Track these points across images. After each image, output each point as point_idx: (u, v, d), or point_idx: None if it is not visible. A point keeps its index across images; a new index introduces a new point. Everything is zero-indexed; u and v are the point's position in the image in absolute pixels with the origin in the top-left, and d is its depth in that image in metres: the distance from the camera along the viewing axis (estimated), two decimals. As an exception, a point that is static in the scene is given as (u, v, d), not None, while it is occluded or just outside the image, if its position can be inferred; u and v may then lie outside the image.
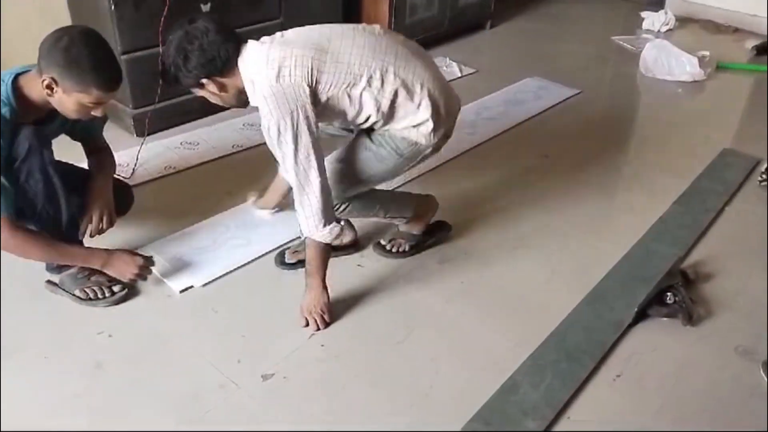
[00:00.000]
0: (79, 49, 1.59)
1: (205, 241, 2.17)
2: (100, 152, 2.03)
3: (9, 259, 2.02)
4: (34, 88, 1.65)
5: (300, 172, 1.68)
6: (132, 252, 1.93)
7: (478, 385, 1.69)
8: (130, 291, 1.94)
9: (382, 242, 2.19)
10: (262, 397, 1.63)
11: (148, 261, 1.93)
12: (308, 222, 1.75)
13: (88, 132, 1.97)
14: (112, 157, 2.06)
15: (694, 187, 2.64)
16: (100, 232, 1.93)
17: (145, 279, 1.92)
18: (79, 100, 1.64)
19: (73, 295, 1.90)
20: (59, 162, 1.81)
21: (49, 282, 1.93)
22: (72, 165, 1.99)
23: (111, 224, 1.94)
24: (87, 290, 1.90)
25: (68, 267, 1.90)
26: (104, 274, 1.89)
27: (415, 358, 1.78)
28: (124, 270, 1.88)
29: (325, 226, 1.75)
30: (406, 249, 2.16)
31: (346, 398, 1.65)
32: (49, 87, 1.61)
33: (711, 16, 4.76)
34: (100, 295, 1.90)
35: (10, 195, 1.67)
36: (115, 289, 1.92)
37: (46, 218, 1.77)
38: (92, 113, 1.70)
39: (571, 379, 1.72)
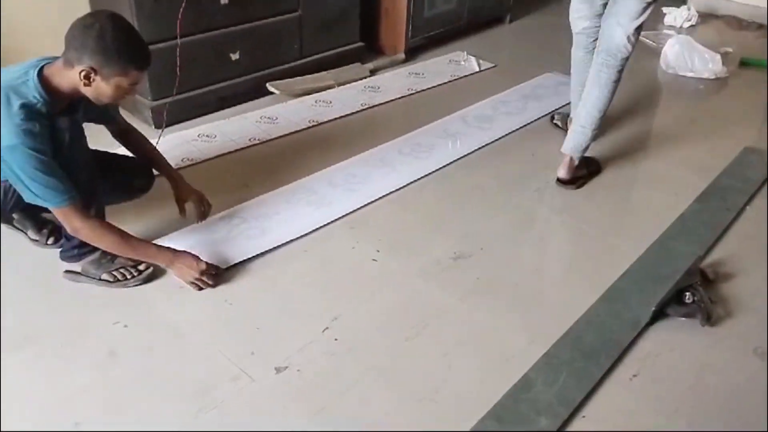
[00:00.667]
0: (114, 35, 1.62)
1: (222, 233, 2.18)
2: (129, 133, 2.07)
3: (21, 249, 2.06)
4: (64, 79, 1.67)
5: None
6: (196, 257, 1.94)
7: (491, 383, 1.68)
8: (157, 271, 1.97)
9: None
10: (275, 390, 1.64)
11: (211, 268, 1.95)
12: None
13: (108, 115, 1.99)
14: (142, 134, 2.10)
15: (715, 184, 2.60)
16: (204, 215, 2.13)
17: (207, 286, 1.94)
18: (118, 84, 1.67)
19: (101, 279, 1.92)
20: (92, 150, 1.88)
21: (68, 272, 1.95)
22: (97, 150, 2.00)
23: (209, 205, 2.15)
24: (115, 273, 1.92)
25: (89, 254, 1.92)
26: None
27: (427, 354, 1.77)
28: (186, 273, 1.91)
29: None
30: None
31: (359, 392, 1.65)
32: (87, 77, 1.63)
33: (734, 12, 4.69)
34: (128, 275, 1.92)
35: (69, 183, 1.69)
36: (141, 267, 1.95)
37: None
38: (128, 93, 1.74)
39: (586, 377, 1.70)
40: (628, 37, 2.34)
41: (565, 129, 2.85)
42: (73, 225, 1.73)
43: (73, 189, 1.69)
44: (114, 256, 1.94)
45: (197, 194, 2.14)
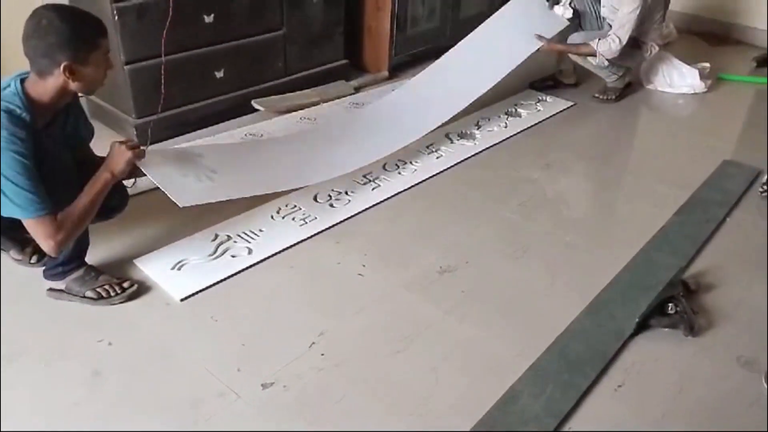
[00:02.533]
0: (61, 20, 1.63)
1: (206, 249, 2.17)
2: (92, 163, 1.99)
3: (8, 265, 2.04)
4: (42, 91, 1.68)
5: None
6: (119, 142, 1.86)
7: (478, 395, 1.68)
8: (141, 288, 1.96)
9: (596, 94, 3.51)
10: (262, 406, 1.63)
11: (135, 144, 1.89)
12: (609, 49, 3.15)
13: (79, 137, 1.95)
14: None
15: (695, 197, 2.64)
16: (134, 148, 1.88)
17: (140, 157, 1.87)
18: (97, 59, 1.70)
19: (84, 297, 1.90)
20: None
21: (51, 290, 1.93)
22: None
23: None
24: (99, 290, 1.90)
25: (73, 271, 1.90)
26: (109, 273, 1.93)
27: (414, 368, 1.77)
28: (121, 160, 1.81)
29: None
30: (613, 98, 3.48)
31: (346, 407, 1.64)
32: (71, 72, 1.64)
33: (712, 28, 4.79)
34: (112, 293, 1.91)
35: (42, 193, 1.66)
36: (125, 285, 1.93)
37: None
38: (108, 66, 1.76)
39: (573, 389, 1.71)
40: None
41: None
42: (46, 236, 1.68)
43: (50, 201, 1.67)
44: (98, 274, 1.93)
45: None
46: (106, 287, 1.91)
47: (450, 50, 3.24)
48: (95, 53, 1.69)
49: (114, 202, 2.03)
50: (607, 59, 3.22)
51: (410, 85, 3.18)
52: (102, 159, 1.99)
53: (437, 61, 3.20)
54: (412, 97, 3.05)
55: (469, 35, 3.26)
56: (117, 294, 1.91)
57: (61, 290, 1.92)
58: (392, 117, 2.91)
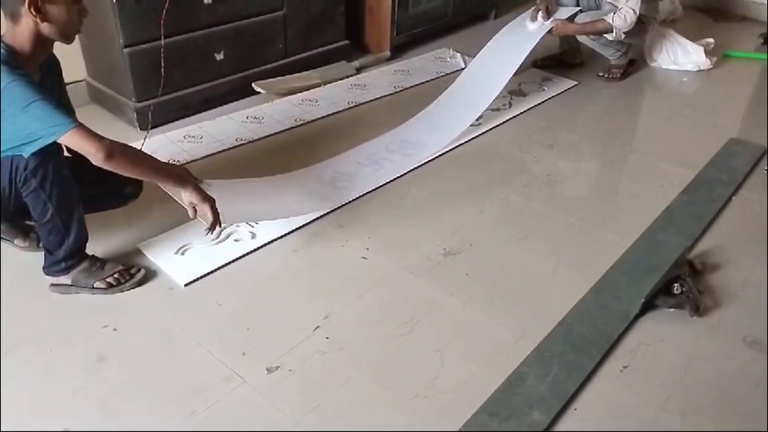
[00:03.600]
0: None
1: (210, 234, 2.16)
2: None
3: (11, 252, 2.03)
4: (20, 36, 1.63)
5: None
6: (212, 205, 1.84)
7: (484, 377, 1.68)
8: (149, 273, 1.96)
9: (600, 73, 3.51)
10: (267, 390, 1.63)
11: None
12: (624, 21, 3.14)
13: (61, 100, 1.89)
14: None
15: (701, 176, 2.62)
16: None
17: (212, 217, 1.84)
18: (68, 2, 1.63)
19: (94, 288, 1.88)
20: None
21: (55, 285, 1.90)
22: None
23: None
24: (108, 279, 1.89)
25: (76, 265, 1.88)
26: (115, 260, 1.91)
27: (419, 350, 1.77)
28: (206, 209, 1.81)
29: None
30: (618, 76, 3.49)
31: (351, 391, 1.64)
32: (36, 9, 1.59)
33: (717, 4, 4.72)
34: (122, 280, 1.90)
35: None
36: (132, 271, 1.93)
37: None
38: (83, 12, 1.70)
39: (578, 370, 1.70)
40: None
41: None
42: (93, 147, 1.58)
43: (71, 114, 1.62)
44: (103, 263, 1.91)
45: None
46: (116, 275, 1.90)
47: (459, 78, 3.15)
48: None
49: (129, 189, 2.02)
50: (623, 32, 3.17)
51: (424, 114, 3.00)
52: None
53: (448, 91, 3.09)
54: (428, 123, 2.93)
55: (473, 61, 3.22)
56: (127, 281, 1.91)
57: (67, 285, 1.89)
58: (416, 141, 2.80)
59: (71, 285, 1.89)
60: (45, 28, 1.64)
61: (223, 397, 1.60)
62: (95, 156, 1.60)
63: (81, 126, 1.61)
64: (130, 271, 1.93)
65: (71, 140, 1.59)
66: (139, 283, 1.93)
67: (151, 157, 1.82)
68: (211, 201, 1.83)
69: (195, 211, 1.83)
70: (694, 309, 1.89)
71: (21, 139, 1.60)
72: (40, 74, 1.74)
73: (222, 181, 2.17)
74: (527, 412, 1.58)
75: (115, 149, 1.63)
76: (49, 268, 1.89)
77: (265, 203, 2.28)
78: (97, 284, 1.89)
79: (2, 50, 1.60)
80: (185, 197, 1.82)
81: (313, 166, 2.56)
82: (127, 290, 1.91)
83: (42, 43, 1.68)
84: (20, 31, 1.63)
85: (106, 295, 1.89)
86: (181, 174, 1.85)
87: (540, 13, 3.19)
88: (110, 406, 1.58)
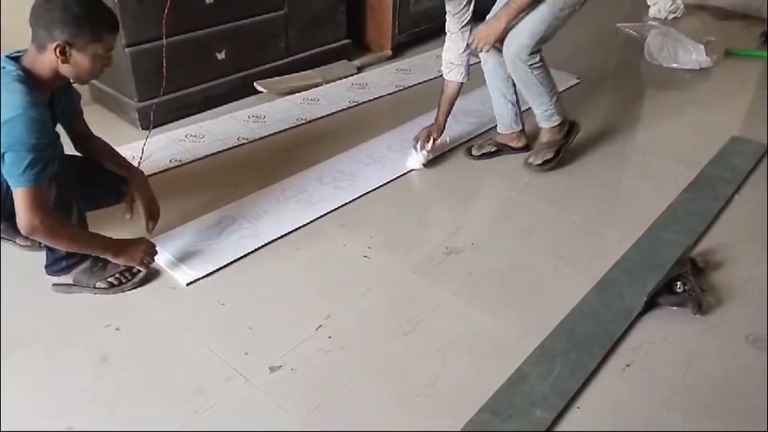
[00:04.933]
0: (77, 2, 1.59)
1: (212, 233, 2.16)
2: (90, 139, 2.01)
3: (13, 251, 2.03)
4: (40, 65, 1.64)
5: None
6: (135, 240, 1.94)
7: (486, 376, 1.68)
8: (151, 272, 1.96)
9: (530, 160, 2.61)
10: (270, 389, 1.63)
11: (152, 246, 1.95)
12: None
13: (76, 111, 1.94)
14: (103, 140, 2.04)
15: (703, 174, 2.62)
16: (152, 218, 2.06)
17: (150, 263, 1.94)
18: (95, 52, 1.64)
19: (96, 287, 1.89)
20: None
21: (57, 284, 1.91)
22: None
23: (158, 215, 2.07)
24: (110, 279, 1.90)
25: (78, 264, 1.88)
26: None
27: (421, 350, 1.77)
28: (135, 255, 1.89)
29: None
30: (551, 157, 2.60)
31: (353, 390, 1.64)
32: (62, 52, 1.60)
33: (719, 2, 4.72)
34: (123, 280, 1.91)
35: (51, 170, 1.63)
36: (134, 270, 1.93)
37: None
38: (106, 63, 1.71)
39: (580, 369, 1.70)
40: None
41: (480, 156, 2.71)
42: (35, 213, 1.62)
43: (46, 172, 1.63)
44: (106, 263, 1.91)
45: (150, 198, 2.06)
46: (117, 275, 1.90)
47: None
48: (95, 45, 1.63)
49: (124, 187, 2.03)
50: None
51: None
52: (100, 140, 2.02)
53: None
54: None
55: None
56: (128, 280, 1.91)
57: (68, 284, 1.90)
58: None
59: (73, 284, 1.90)
60: (64, 68, 1.65)
61: (225, 397, 1.60)
62: (21, 223, 1.65)
63: (34, 189, 1.61)
64: (131, 270, 1.93)
65: (28, 194, 1.61)
66: (141, 283, 1.93)
67: (85, 236, 1.85)
68: (141, 256, 1.91)
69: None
70: (697, 307, 1.89)
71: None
72: (51, 94, 1.74)
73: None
74: (530, 411, 1.58)
75: (40, 229, 1.65)
76: (50, 267, 1.89)
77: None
78: (99, 284, 1.89)
79: (17, 71, 1.61)
80: (121, 259, 1.89)
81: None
82: (129, 290, 1.91)
83: (57, 77, 1.68)
84: (41, 60, 1.64)
85: (108, 295, 1.89)
86: (108, 243, 1.87)
87: (419, 144, 2.59)
88: (113, 405, 1.58)
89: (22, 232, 1.67)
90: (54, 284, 1.91)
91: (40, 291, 1.91)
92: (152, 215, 2.06)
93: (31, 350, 1.72)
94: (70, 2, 1.59)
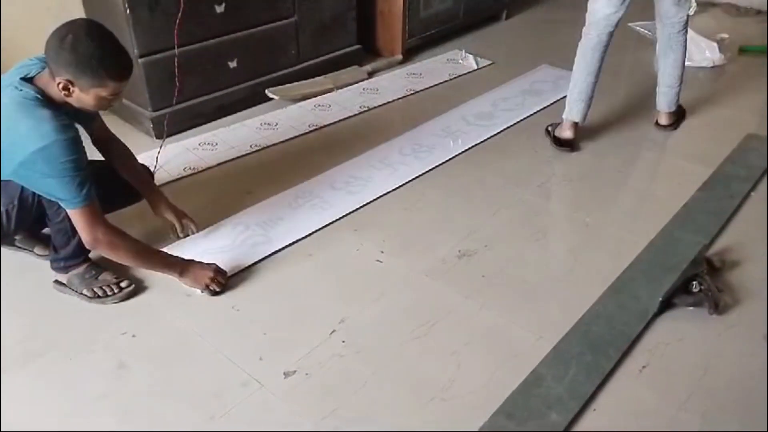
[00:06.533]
0: (87, 45, 1.58)
1: (225, 240, 2.18)
2: (111, 141, 2.05)
3: (30, 262, 2.06)
4: (54, 91, 1.67)
5: None
6: (205, 264, 1.97)
7: (501, 379, 1.68)
8: (138, 288, 1.97)
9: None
10: (285, 395, 1.64)
11: (220, 271, 1.97)
12: None
13: (85, 112, 1.92)
14: (125, 145, 2.08)
15: (718, 173, 2.59)
16: (184, 230, 2.16)
17: (219, 287, 1.96)
18: (98, 95, 1.65)
19: (81, 294, 1.92)
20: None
21: (56, 282, 1.96)
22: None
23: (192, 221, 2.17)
24: (95, 289, 1.92)
25: (75, 266, 1.93)
26: (110, 272, 1.95)
27: (436, 353, 1.77)
28: (200, 279, 1.93)
29: None
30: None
31: (368, 394, 1.64)
32: (65, 89, 1.63)
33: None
34: (108, 293, 1.92)
35: (92, 182, 1.70)
36: (123, 285, 1.95)
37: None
38: (111, 104, 1.73)
39: (596, 371, 1.69)
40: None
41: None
42: (95, 228, 1.72)
43: (93, 193, 1.70)
44: (99, 272, 1.94)
45: (177, 212, 2.15)
46: (104, 287, 1.92)
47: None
48: (98, 89, 1.63)
49: (135, 190, 2.06)
50: None
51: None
52: (121, 144, 2.06)
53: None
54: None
55: None
56: (113, 294, 1.92)
57: (63, 284, 1.95)
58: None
59: (66, 285, 1.95)
60: (70, 100, 1.68)
61: (241, 402, 1.61)
62: (83, 238, 1.75)
63: (89, 207, 1.71)
64: (120, 284, 1.94)
65: (82, 215, 1.71)
66: (127, 297, 1.94)
67: (148, 251, 1.92)
68: (207, 282, 1.94)
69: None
70: (713, 307, 1.87)
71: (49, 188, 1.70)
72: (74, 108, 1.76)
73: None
74: (545, 414, 1.57)
75: (103, 241, 1.75)
76: (53, 263, 1.95)
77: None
78: (85, 291, 1.92)
79: (35, 94, 1.65)
80: (185, 280, 1.95)
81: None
82: (110, 304, 1.92)
83: (66, 102, 1.70)
84: (53, 86, 1.66)
85: (126, 302, 1.92)
86: (174, 261, 1.94)
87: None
88: (131, 411, 1.59)
89: (86, 246, 1.78)
90: (54, 281, 1.97)
91: (58, 299, 1.94)
92: (185, 221, 2.15)
93: (51, 357, 1.74)
94: (80, 45, 1.58)
